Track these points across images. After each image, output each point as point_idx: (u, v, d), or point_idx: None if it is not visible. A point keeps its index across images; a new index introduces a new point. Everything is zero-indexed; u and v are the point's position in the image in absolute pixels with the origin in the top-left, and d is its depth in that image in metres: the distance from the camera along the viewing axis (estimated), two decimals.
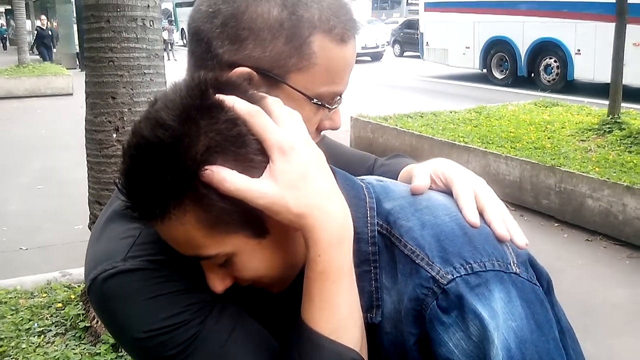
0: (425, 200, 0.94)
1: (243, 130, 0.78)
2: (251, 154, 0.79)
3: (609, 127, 7.72)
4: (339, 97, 1.00)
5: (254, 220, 0.81)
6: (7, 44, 41.05)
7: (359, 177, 1.01)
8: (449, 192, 0.97)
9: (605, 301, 4.68)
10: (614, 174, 5.95)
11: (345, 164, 1.28)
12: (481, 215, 0.92)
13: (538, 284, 0.87)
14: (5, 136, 11.33)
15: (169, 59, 26.27)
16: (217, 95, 0.79)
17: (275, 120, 0.81)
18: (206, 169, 0.76)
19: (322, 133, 1.10)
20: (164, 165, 0.76)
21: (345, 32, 0.95)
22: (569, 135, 7.85)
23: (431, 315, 0.83)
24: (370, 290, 0.90)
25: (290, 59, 0.92)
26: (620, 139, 7.33)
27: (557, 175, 6.28)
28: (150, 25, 3.71)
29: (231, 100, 0.79)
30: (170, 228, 0.80)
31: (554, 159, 6.61)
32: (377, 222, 0.92)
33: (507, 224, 0.92)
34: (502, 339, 0.79)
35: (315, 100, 0.95)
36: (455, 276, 0.83)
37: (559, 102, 10.46)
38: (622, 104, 8.14)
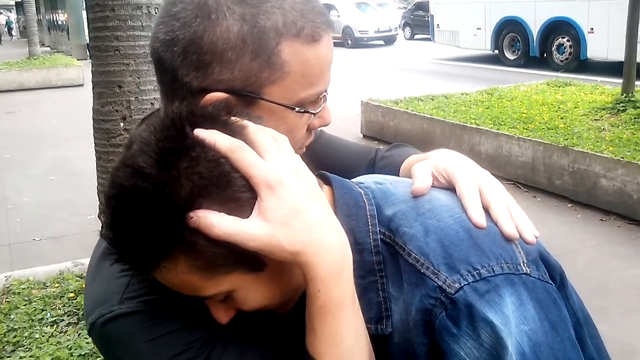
0: (428, 202, 0.89)
1: (226, 169, 0.74)
2: (238, 192, 0.75)
3: (622, 106, 7.63)
4: (322, 96, 0.96)
5: (248, 257, 0.77)
6: (13, 33, 41.98)
7: (356, 181, 0.97)
8: (452, 189, 0.93)
9: (620, 281, 4.64)
10: (628, 153, 5.89)
11: (345, 160, 1.23)
12: (487, 212, 0.88)
13: (550, 282, 0.84)
14: (17, 128, 11.39)
15: None
16: (195, 133, 0.75)
17: (259, 151, 0.77)
18: (192, 216, 0.72)
19: (321, 129, 1.06)
20: (147, 216, 0.72)
21: (316, 30, 0.90)
22: (582, 115, 7.77)
23: (440, 327, 0.80)
24: (379, 301, 0.87)
25: (261, 73, 0.87)
26: (634, 118, 7.24)
27: (571, 156, 6.21)
28: (155, 13, 3.68)
29: (212, 138, 0.75)
30: (164, 277, 0.78)
31: (567, 139, 6.54)
32: (380, 230, 0.88)
33: (515, 219, 0.88)
34: (515, 344, 0.77)
35: (297, 108, 0.91)
36: (462, 284, 0.79)
37: (572, 82, 10.34)
38: (637, 82, 8.03)
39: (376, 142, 8.97)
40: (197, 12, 0.86)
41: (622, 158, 5.76)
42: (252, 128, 0.80)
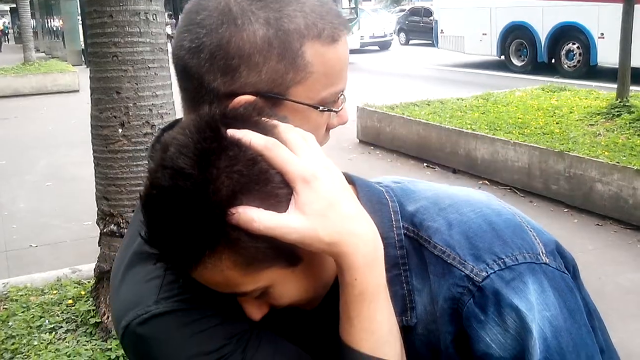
0: (448, 198, 0.95)
1: (264, 166, 0.77)
2: (276, 188, 0.78)
3: (617, 111, 7.65)
4: (341, 95, 0.99)
5: (286, 251, 0.80)
6: (7, 39, 42.27)
7: (374, 181, 1.01)
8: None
9: (616, 286, 4.66)
10: (624, 158, 5.91)
11: None
12: None
13: (566, 272, 0.89)
14: (13, 134, 11.37)
15: None
16: (230, 133, 0.78)
17: (291, 149, 0.80)
18: (233, 213, 0.75)
19: None
20: (190, 215, 0.75)
21: (335, 31, 0.93)
22: (577, 120, 7.80)
23: (468, 313, 0.85)
24: (403, 293, 0.90)
25: (287, 75, 0.90)
26: (630, 123, 7.27)
27: (566, 161, 6.24)
28: (153, 19, 3.69)
29: (247, 137, 0.78)
30: (206, 273, 0.80)
31: (562, 144, 6.57)
32: (403, 225, 0.93)
33: None
34: (538, 329, 0.82)
35: (321, 107, 0.94)
36: (489, 272, 0.84)
37: (567, 87, 10.38)
38: (631, 87, 8.07)
39: (372, 147, 8.99)
40: (222, 19, 0.88)
41: (618, 163, 5.78)
42: (283, 127, 0.83)
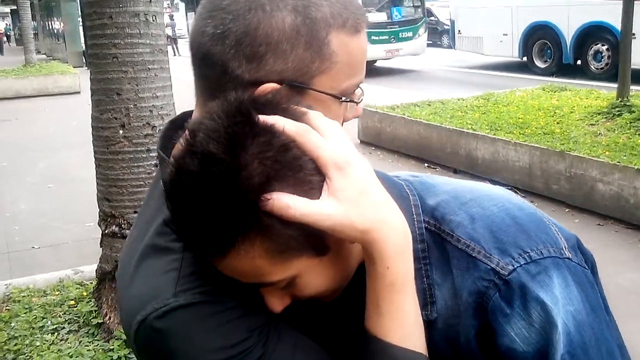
0: (469, 192, 0.95)
1: (297, 153, 0.76)
2: (309, 175, 0.77)
3: (618, 111, 7.65)
4: (359, 87, 0.98)
5: (316, 240, 0.80)
6: (9, 41, 42.35)
7: (392, 174, 1.00)
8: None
9: (617, 286, 4.65)
10: (625, 158, 5.91)
11: None
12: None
13: (586, 267, 0.90)
14: (14, 136, 11.39)
15: (174, 55, 26.27)
16: (262, 119, 0.76)
17: (322, 135, 0.80)
18: (267, 198, 0.73)
19: None
20: (223, 201, 0.73)
21: (357, 21, 0.93)
22: (578, 120, 7.80)
23: (494, 307, 0.84)
24: (424, 287, 0.90)
25: (312, 64, 0.89)
26: (630, 122, 7.27)
27: (567, 160, 6.24)
28: (153, 20, 3.70)
29: (280, 123, 0.76)
30: (235, 261, 0.78)
31: (563, 144, 6.57)
32: (424, 219, 0.92)
33: None
34: (562, 323, 0.82)
35: (343, 98, 0.93)
36: (515, 266, 0.84)
37: (567, 87, 10.36)
38: (632, 87, 8.06)
39: (373, 147, 8.99)
40: (250, 5, 0.87)
41: (619, 162, 5.78)
42: (312, 114, 0.82)
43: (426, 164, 8.04)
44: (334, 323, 0.95)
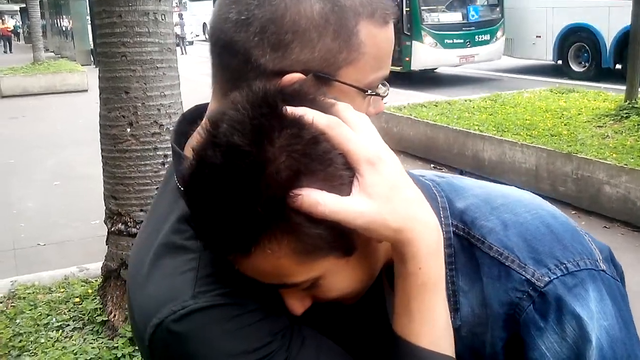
0: (501, 197, 0.90)
1: (327, 146, 0.72)
2: (339, 170, 0.72)
3: (626, 113, 7.62)
4: (384, 81, 0.94)
5: (345, 239, 0.75)
6: (18, 39, 42.59)
7: (417, 173, 0.96)
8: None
9: None
10: (632, 160, 5.89)
11: None
12: None
13: (619, 280, 0.87)
14: (21, 133, 11.43)
15: (182, 53, 26.33)
16: (289, 110, 0.71)
17: (351, 128, 0.75)
18: (296, 194, 0.69)
19: None
20: (248, 197, 0.68)
21: (387, 12, 0.88)
22: (585, 122, 7.76)
23: (527, 320, 0.81)
24: (448, 293, 0.85)
25: (340, 54, 0.84)
26: (638, 124, 7.23)
27: (574, 162, 6.22)
28: (162, 19, 3.71)
29: (309, 115, 0.72)
30: (258, 261, 0.73)
31: (570, 145, 6.54)
32: (452, 223, 0.88)
33: None
34: (595, 338, 0.79)
35: (369, 91, 0.89)
36: (552, 278, 0.80)
37: (575, 89, 10.32)
38: None
39: None
40: None
41: (626, 165, 5.76)
42: (341, 106, 0.78)
43: (432, 165, 8.02)
44: (353, 324, 0.91)
